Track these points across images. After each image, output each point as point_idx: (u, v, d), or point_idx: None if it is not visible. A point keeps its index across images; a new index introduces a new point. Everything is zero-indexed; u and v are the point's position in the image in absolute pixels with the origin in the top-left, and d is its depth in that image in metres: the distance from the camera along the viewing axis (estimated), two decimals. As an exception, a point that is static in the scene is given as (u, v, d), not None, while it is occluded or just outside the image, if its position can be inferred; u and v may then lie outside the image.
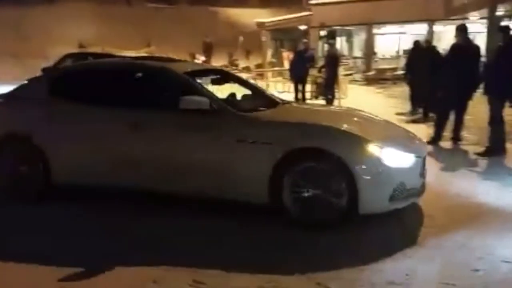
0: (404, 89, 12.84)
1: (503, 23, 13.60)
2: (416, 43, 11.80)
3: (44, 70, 10.99)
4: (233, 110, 4.43)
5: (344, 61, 21.93)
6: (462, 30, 7.39)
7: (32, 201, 4.84)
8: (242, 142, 4.13)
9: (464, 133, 7.82)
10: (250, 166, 4.12)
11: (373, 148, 3.98)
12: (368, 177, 3.88)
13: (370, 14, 23.25)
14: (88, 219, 4.49)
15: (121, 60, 5.80)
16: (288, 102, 5.38)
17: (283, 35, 28.40)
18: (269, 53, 24.46)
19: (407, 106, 11.34)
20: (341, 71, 14.93)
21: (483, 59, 9.17)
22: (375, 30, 25.90)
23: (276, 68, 21.08)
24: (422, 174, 4.38)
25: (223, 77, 5.77)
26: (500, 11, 17.27)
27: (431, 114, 9.46)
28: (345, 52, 26.71)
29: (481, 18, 19.02)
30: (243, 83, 5.85)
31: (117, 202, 4.82)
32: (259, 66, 21.63)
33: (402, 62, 19.95)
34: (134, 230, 4.20)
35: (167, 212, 4.55)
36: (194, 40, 26.87)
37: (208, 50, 24.03)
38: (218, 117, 4.30)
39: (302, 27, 26.64)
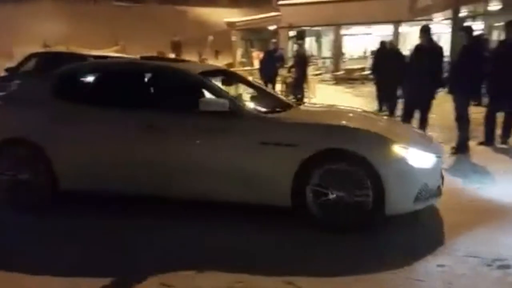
0: (371, 89, 13.10)
1: (466, 24, 14.05)
2: (382, 43, 12.03)
3: (7, 70, 10.74)
4: (254, 112, 4.35)
5: (313, 61, 22.17)
6: (425, 31, 7.58)
7: (35, 210, 4.54)
8: (266, 145, 4.02)
9: (428, 131, 8.03)
10: (273, 169, 4.01)
11: (398, 149, 3.96)
12: (395, 178, 3.85)
13: (337, 15, 23.56)
14: (100, 227, 4.22)
15: (132, 60, 5.43)
16: (299, 103, 5.20)
17: (253, 35, 28.47)
18: (239, 53, 24.48)
19: (374, 105, 11.57)
20: (310, 71, 15.11)
21: (446, 59, 9.46)
22: (343, 31, 26.25)
23: (246, 68, 21.13)
24: (441, 175, 4.38)
25: (230, 77, 5.68)
26: (463, 12, 17.79)
27: (397, 113, 9.67)
28: (314, 52, 26.99)
29: (445, 19, 19.55)
30: (250, 84, 5.72)
31: (123, 206, 4.60)
32: (229, 66, 21.61)
33: (370, 62, 20.33)
34: (156, 235, 4.01)
35: (184, 216, 4.38)
36: (163, 39, 26.60)
37: (176, 49, 23.86)
38: (239, 119, 4.16)
39: (272, 27, 26.77)
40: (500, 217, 4.36)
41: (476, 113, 7.37)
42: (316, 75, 18.89)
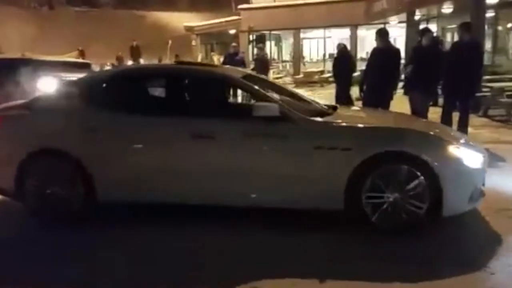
0: (331, 91, 13.32)
1: (422, 26, 14.49)
2: (340, 46, 12.32)
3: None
4: (306, 117, 4.17)
5: (274, 64, 22.39)
6: (381, 34, 7.78)
7: (69, 223, 4.26)
8: (320, 149, 3.93)
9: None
10: (327, 173, 3.94)
11: (453, 149, 3.95)
12: (452, 179, 3.81)
13: (297, 19, 23.87)
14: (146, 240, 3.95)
15: (173, 66, 5.10)
16: (336, 107, 5.03)
17: (213, 39, 28.49)
18: (200, 57, 24.40)
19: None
20: (271, 74, 15.22)
21: (402, 61, 9.75)
22: (302, 35, 26.61)
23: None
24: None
25: (261, 82, 5.42)
26: (418, 15, 18.34)
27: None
28: (275, 56, 27.24)
29: (400, 22, 20.11)
30: (280, 88, 5.54)
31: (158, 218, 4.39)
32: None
33: (329, 65, 20.66)
34: (205, 246, 3.82)
35: (232, 227, 4.18)
36: (122, 43, 26.21)
37: (135, 54, 23.59)
38: (292, 124, 4.03)
39: (232, 31, 26.85)
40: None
41: (433, 113, 7.61)
42: (277, 78, 19.05)
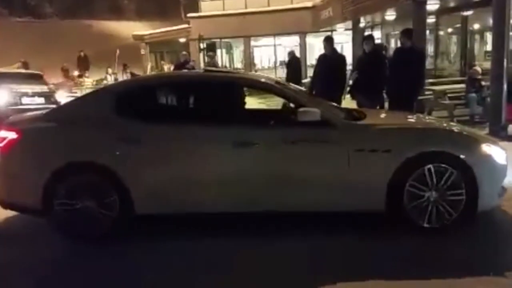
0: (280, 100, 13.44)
1: (366, 33, 14.89)
2: (291, 54, 12.54)
3: None
4: (345, 120, 4.28)
5: (225, 72, 22.39)
6: (328, 41, 7.96)
7: (103, 237, 4.09)
8: (361, 152, 3.98)
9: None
10: (368, 175, 3.98)
11: (486, 147, 4.11)
12: (486, 176, 3.98)
13: (246, 26, 24.00)
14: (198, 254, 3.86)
15: (211, 74, 4.94)
16: (362, 111, 5.07)
17: (163, 48, 28.17)
18: (149, 66, 24.07)
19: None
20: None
21: (349, 66, 9.97)
22: (253, 42, 26.76)
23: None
24: None
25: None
26: (362, 23, 18.86)
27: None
28: (226, 63, 27.25)
29: (347, 29, 20.61)
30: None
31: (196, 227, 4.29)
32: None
33: (279, 72, 20.89)
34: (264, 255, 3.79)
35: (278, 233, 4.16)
36: (68, 54, 25.46)
37: (82, 65, 22.99)
38: (333, 128, 4.08)
39: (182, 40, 26.66)
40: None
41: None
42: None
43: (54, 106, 9.07)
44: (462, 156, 3.95)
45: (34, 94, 9.10)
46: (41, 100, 9.17)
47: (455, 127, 4.73)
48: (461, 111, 9.61)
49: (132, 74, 18.56)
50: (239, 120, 4.27)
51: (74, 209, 4.04)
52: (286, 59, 13.17)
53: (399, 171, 3.93)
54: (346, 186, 4.02)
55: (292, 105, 4.50)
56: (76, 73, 21.97)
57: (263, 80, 4.81)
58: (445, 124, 4.86)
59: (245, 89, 5.19)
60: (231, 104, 4.56)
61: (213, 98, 4.52)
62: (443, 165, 3.93)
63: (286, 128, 4.23)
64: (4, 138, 4.19)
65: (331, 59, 7.83)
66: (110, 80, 20.07)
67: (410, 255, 3.68)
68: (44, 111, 4.60)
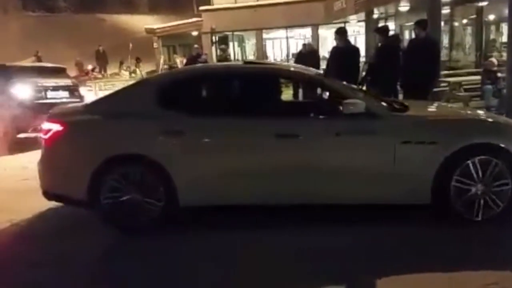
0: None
1: (381, 24, 14.77)
2: (308, 46, 12.50)
3: None
4: (391, 112, 4.23)
5: (238, 65, 22.36)
6: (340, 33, 7.89)
7: (148, 229, 4.12)
8: (408, 144, 3.94)
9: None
10: (414, 167, 3.96)
11: None
12: None
13: (258, 19, 23.94)
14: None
15: (255, 66, 4.88)
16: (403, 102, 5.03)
17: (176, 41, 28.22)
18: (162, 59, 24.15)
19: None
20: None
21: (362, 58, 9.90)
22: (265, 35, 26.70)
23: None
24: None
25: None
26: (376, 14, 18.69)
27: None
28: (239, 56, 27.23)
29: (360, 21, 20.44)
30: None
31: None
32: (153, 73, 21.22)
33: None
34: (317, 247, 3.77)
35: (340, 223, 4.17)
36: (81, 48, 25.68)
37: (101, 59, 23.23)
38: (378, 120, 4.04)
39: (194, 33, 26.68)
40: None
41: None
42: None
43: (77, 100, 9.13)
44: (507, 148, 3.92)
45: (58, 88, 9.06)
46: (65, 94, 9.15)
47: (495, 118, 4.69)
48: (476, 103, 9.48)
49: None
50: (282, 112, 4.24)
51: (120, 201, 4.07)
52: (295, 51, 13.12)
53: (445, 163, 3.90)
54: (391, 179, 4.00)
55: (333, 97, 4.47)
56: (90, 67, 22.15)
57: (306, 72, 4.77)
58: (482, 114, 4.85)
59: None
60: (274, 96, 4.55)
61: (257, 90, 4.50)
62: (488, 157, 3.91)
63: (330, 120, 4.20)
64: (48, 130, 4.22)
65: (344, 51, 7.76)
66: (126, 75, 20.18)
67: (458, 247, 3.65)
68: (84, 104, 4.63)
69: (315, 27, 24.50)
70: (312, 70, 4.80)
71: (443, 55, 14.05)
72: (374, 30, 8.10)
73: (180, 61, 21.39)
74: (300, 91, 5.42)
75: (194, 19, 27.10)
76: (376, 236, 3.89)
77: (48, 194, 4.34)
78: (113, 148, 4.10)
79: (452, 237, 3.81)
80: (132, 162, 4.11)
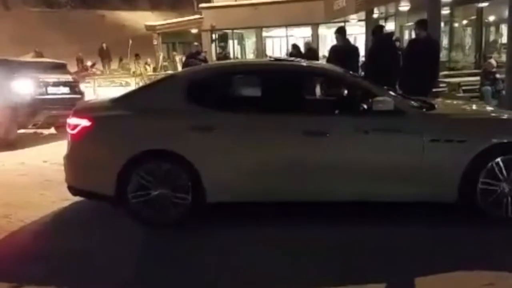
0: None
1: (377, 24, 14.78)
2: (307, 45, 12.49)
3: None
4: (421, 110, 4.25)
5: (237, 63, 22.36)
6: (340, 32, 7.92)
7: (173, 224, 4.14)
8: (436, 142, 3.96)
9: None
10: (442, 166, 3.97)
11: None
12: None
13: (258, 17, 23.94)
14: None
15: (274, 62, 4.89)
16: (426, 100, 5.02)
17: (175, 38, 28.20)
18: (161, 56, 24.13)
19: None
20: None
21: (362, 58, 9.92)
22: (264, 33, 26.70)
23: (170, 72, 20.84)
24: None
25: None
26: (376, 14, 18.69)
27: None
28: (238, 54, 27.22)
29: (360, 20, 20.45)
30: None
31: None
32: (153, 70, 21.21)
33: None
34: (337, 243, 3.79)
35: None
36: (82, 44, 25.69)
37: (105, 56, 23.36)
38: (407, 117, 4.06)
39: (194, 30, 26.67)
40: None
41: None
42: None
43: (78, 96, 9.13)
44: None
45: (59, 84, 9.02)
46: (66, 89, 9.12)
47: None
48: (475, 104, 9.54)
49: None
50: (310, 109, 4.27)
51: (147, 197, 4.08)
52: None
53: (473, 161, 3.91)
54: (418, 177, 4.00)
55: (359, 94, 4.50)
56: (89, 63, 22.11)
57: (337, 69, 4.77)
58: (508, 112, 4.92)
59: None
60: (302, 93, 4.55)
61: (287, 87, 4.50)
62: None
63: (358, 117, 4.21)
64: (76, 126, 4.21)
65: (343, 50, 7.79)
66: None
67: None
68: (110, 99, 4.64)
69: (315, 26, 24.50)
70: (339, 68, 4.88)
71: (443, 55, 14.07)
72: (371, 31, 8.15)
73: (179, 59, 21.37)
74: (327, 88, 5.42)
75: (195, 17, 27.09)
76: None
77: (73, 189, 4.37)
78: (141, 144, 4.09)
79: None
80: (160, 158, 4.10)
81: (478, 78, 9.99)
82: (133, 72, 18.80)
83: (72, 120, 4.26)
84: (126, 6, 38.27)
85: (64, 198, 4.80)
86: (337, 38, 7.94)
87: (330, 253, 3.59)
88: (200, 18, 26.21)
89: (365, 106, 4.23)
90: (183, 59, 16.11)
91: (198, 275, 3.32)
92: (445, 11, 14.75)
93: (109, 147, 4.17)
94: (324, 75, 4.73)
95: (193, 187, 4.06)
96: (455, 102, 5.75)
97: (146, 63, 21.16)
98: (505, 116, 4.42)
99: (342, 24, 18.08)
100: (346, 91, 4.56)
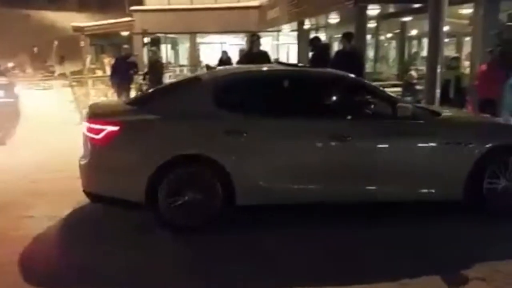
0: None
1: (312, 36, 15.12)
2: (241, 52, 12.54)
3: None
4: (434, 116, 4.67)
5: (171, 68, 22.00)
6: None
7: (204, 229, 4.13)
8: (449, 144, 4.35)
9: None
10: (452, 166, 4.37)
11: None
12: None
13: (192, 23, 23.75)
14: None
15: (302, 68, 5.18)
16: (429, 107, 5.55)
17: (105, 41, 27.35)
18: (89, 58, 23.28)
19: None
20: (168, 78, 14.90)
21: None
22: (199, 39, 26.52)
23: (98, 75, 20.09)
24: None
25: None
26: (307, 25, 19.12)
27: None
28: (171, 59, 26.83)
29: (292, 30, 20.84)
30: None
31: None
32: (78, 73, 20.35)
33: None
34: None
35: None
36: (5, 45, 24.20)
37: (37, 60, 22.35)
38: (422, 123, 4.46)
39: (125, 33, 25.98)
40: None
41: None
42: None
43: (12, 99, 8.56)
44: None
45: None
46: (1, 93, 8.49)
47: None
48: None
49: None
50: (336, 114, 4.53)
51: (179, 202, 4.09)
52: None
53: (478, 162, 4.33)
54: (433, 177, 4.38)
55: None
56: (10, 65, 20.98)
57: (360, 78, 5.17)
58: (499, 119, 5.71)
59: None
60: (327, 98, 4.80)
61: (315, 92, 4.73)
62: None
63: (380, 123, 4.51)
64: (101, 130, 4.08)
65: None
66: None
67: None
68: (127, 101, 4.63)
69: (248, 34, 24.67)
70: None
71: (369, 67, 14.62)
72: (309, 41, 8.27)
73: (108, 61, 20.70)
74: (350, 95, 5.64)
75: (126, 19, 26.38)
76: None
77: (92, 196, 4.23)
78: (173, 149, 4.11)
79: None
80: (191, 163, 4.14)
81: (400, 89, 10.42)
82: (58, 75, 17.99)
83: (95, 125, 4.13)
84: (53, 6, 36.55)
85: None
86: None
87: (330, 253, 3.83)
88: (132, 20, 25.58)
89: (386, 112, 4.51)
90: (112, 62, 15.62)
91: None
92: (372, 24, 15.35)
93: (139, 152, 4.13)
94: (348, 81, 4.96)
95: (223, 190, 4.13)
96: (456, 109, 6.59)
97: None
98: (500, 122, 5.28)
99: (276, 33, 18.30)
100: (369, 97, 4.89)
